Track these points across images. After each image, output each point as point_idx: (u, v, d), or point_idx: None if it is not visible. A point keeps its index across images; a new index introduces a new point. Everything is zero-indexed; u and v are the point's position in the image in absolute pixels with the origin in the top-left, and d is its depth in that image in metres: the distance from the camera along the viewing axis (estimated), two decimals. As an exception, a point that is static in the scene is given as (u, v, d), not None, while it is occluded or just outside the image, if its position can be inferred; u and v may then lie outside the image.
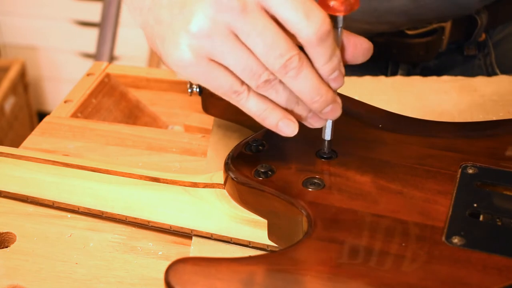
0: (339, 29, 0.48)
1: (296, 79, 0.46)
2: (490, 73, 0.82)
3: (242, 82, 0.48)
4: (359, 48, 0.49)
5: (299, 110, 0.50)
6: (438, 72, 0.80)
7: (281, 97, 0.48)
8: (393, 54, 0.80)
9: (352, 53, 0.49)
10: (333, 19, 0.47)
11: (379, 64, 0.81)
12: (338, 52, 0.48)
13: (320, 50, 0.46)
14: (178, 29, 0.46)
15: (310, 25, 0.45)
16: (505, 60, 0.82)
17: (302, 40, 0.46)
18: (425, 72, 0.81)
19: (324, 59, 0.47)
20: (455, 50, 0.81)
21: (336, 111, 0.50)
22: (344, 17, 0.47)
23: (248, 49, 0.46)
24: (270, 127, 0.49)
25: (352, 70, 0.77)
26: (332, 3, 0.46)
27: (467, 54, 0.82)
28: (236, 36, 0.46)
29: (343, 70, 0.48)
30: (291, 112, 0.49)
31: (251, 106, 0.49)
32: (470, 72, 0.81)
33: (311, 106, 0.49)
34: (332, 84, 0.48)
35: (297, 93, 0.48)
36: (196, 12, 0.45)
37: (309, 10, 0.45)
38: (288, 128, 0.49)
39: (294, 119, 0.49)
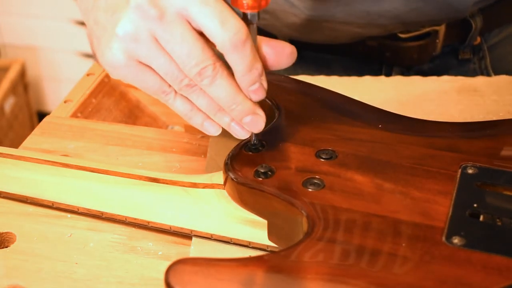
0: (254, 25, 0.50)
1: (211, 86, 0.49)
2: None
3: (170, 84, 0.51)
4: (281, 53, 0.52)
5: (222, 116, 0.52)
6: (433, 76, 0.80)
7: (201, 102, 0.51)
8: (386, 58, 0.80)
9: (276, 58, 0.52)
10: (246, 16, 0.49)
11: (372, 68, 0.81)
12: (259, 65, 0.50)
13: (236, 58, 0.48)
14: (110, 32, 0.49)
15: (225, 32, 0.47)
16: (501, 64, 0.82)
17: (218, 46, 0.48)
18: (419, 75, 0.80)
19: (242, 68, 0.49)
20: (449, 54, 0.81)
21: (257, 123, 0.52)
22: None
23: (169, 54, 0.49)
24: (196, 126, 0.53)
25: (347, 73, 0.76)
26: (245, 1, 0.48)
27: (462, 57, 0.81)
28: (159, 41, 0.48)
29: (265, 83, 0.51)
30: (214, 117, 0.52)
31: (178, 106, 0.52)
32: (464, 76, 0.81)
33: (230, 113, 0.51)
34: (252, 96, 0.51)
35: (215, 99, 0.50)
36: (123, 17, 0.48)
37: (226, 19, 0.47)
38: (213, 128, 0.53)
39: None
